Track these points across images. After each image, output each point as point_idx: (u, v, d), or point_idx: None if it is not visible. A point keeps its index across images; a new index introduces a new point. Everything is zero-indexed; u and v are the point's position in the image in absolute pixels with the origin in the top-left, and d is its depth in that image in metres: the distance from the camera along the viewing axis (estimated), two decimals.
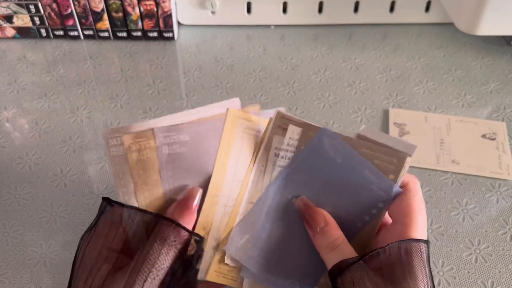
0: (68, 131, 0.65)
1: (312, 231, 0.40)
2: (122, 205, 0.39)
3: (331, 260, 0.37)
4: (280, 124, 0.41)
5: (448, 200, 0.57)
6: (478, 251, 0.53)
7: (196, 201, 0.40)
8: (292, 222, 0.41)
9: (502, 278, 0.51)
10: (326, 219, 0.39)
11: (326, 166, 0.41)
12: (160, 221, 0.38)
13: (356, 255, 0.37)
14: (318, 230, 0.39)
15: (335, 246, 0.38)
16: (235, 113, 0.42)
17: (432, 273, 0.51)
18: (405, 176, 0.39)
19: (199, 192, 0.40)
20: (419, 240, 0.37)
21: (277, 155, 0.42)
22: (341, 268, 0.36)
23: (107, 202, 0.39)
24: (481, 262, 0.52)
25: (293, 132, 0.41)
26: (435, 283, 0.50)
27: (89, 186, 0.59)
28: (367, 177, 0.40)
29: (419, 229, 0.38)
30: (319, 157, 0.41)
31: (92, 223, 0.40)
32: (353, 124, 0.66)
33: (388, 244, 0.36)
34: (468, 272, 0.51)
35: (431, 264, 0.52)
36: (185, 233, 0.38)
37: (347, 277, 0.36)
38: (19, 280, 0.51)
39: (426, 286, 0.36)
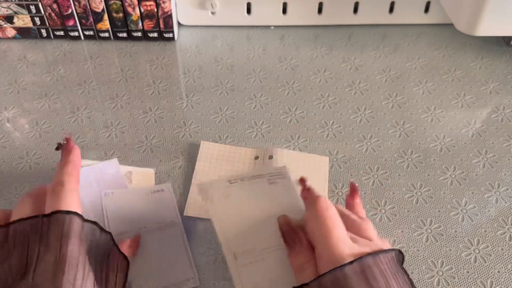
0: (69, 131, 0.65)
1: (288, 250, 0.42)
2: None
3: (297, 281, 0.40)
4: None
5: (447, 200, 0.58)
6: (477, 251, 0.53)
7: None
8: None
9: (501, 278, 0.51)
10: (302, 241, 0.41)
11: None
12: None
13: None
14: (295, 250, 0.42)
15: (303, 269, 0.40)
16: None
17: (432, 273, 0.51)
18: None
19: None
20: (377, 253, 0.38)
21: None
22: None
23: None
24: (480, 262, 0.52)
25: None
26: (434, 283, 0.50)
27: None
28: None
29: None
30: None
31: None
32: (352, 124, 0.66)
33: (342, 266, 0.37)
34: (467, 272, 0.52)
35: (431, 264, 0.52)
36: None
37: None
38: None
39: None
